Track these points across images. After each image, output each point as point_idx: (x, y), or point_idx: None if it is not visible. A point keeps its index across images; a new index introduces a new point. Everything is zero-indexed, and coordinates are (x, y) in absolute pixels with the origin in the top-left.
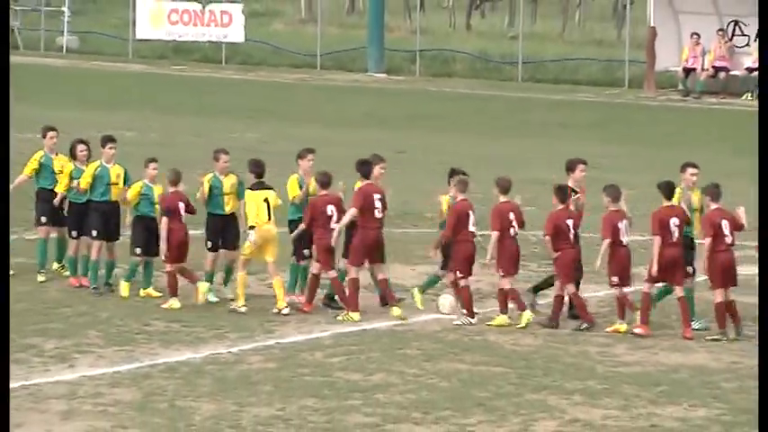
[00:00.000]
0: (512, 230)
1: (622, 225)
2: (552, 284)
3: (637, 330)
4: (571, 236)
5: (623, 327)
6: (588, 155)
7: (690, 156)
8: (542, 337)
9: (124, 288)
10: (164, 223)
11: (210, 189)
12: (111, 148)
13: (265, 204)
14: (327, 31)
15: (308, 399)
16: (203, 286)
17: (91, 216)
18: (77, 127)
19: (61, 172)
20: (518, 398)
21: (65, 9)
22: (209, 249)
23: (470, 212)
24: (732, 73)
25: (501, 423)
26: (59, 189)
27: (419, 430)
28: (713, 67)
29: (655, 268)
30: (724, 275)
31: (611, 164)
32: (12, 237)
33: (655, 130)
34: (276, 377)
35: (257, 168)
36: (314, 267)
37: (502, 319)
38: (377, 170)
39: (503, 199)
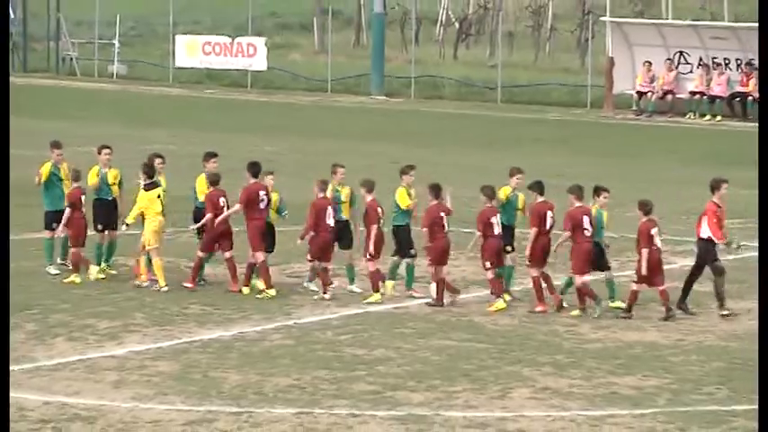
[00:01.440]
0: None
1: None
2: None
3: (538, 309)
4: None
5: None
6: (557, 165)
7: (643, 166)
8: (518, 318)
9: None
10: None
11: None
12: (106, 154)
13: (158, 200)
14: (336, 61)
15: (320, 370)
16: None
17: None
18: (125, 142)
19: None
20: (497, 369)
21: (115, 42)
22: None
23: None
24: (678, 96)
25: (483, 391)
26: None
27: (414, 397)
28: (662, 90)
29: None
30: (587, 262)
31: (576, 172)
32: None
33: (613, 143)
34: (293, 352)
35: (149, 170)
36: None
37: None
38: (406, 178)
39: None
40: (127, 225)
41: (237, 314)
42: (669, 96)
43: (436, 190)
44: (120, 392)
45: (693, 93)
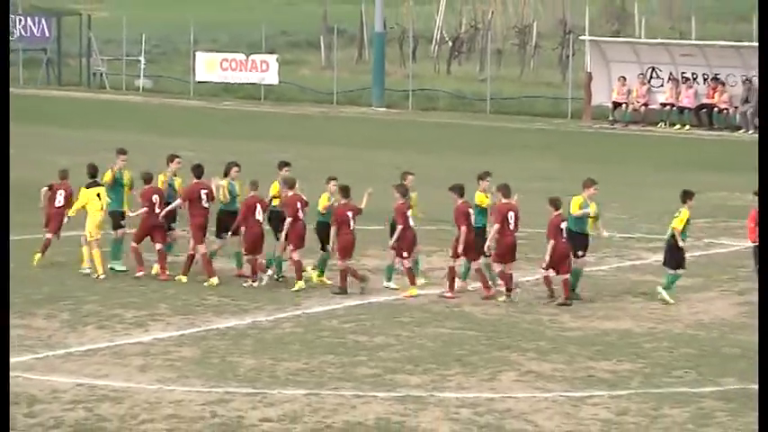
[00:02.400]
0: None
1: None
2: None
3: (447, 294)
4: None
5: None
6: (541, 169)
7: (619, 170)
8: (505, 308)
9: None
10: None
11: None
12: (123, 160)
13: (98, 197)
14: (341, 76)
15: (327, 355)
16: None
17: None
18: (151, 148)
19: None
20: (487, 354)
21: (141, 58)
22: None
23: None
24: (650, 107)
25: (473, 374)
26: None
27: (411, 379)
28: (636, 102)
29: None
30: (508, 253)
31: (558, 175)
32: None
33: (592, 150)
34: (302, 339)
35: (92, 170)
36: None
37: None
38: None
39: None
40: (68, 218)
41: (252, 305)
42: (642, 108)
43: (345, 191)
44: (145, 375)
45: (664, 104)
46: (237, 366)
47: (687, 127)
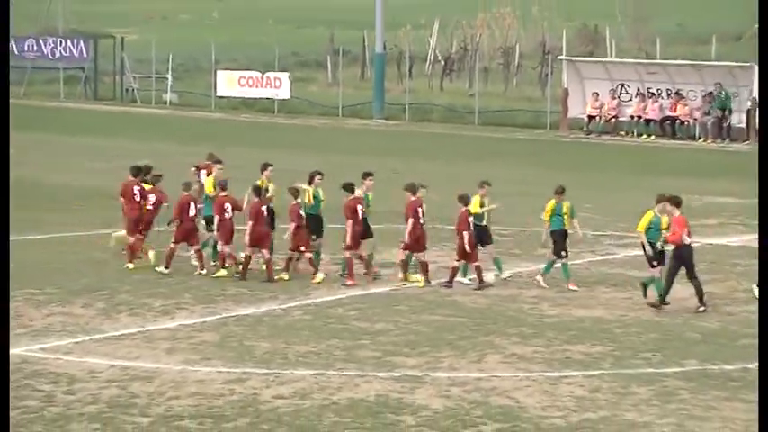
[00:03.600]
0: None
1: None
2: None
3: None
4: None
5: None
6: (522, 174)
7: (592, 175)
8: (491, 297)
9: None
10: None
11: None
12: (220, 169)
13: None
14: (346, 91)
15: (333, 339)
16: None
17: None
18: (177, 156)
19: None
20: (474, 339)
21: (168, 76)
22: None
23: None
24: (620, 119)
25: (463, 356)
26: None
27: (408, 361)
28: (607, 115)
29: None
30: (419, 243)
31: (538, 180)
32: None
33: (568, 158)
34: (311, 325)
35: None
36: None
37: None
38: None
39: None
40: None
41: (266, 295)
42: (613, 120)
43: (258, 190)
44: (171, 357)
45: (632, 117)
46: (253, 349)
47: (653, 137)
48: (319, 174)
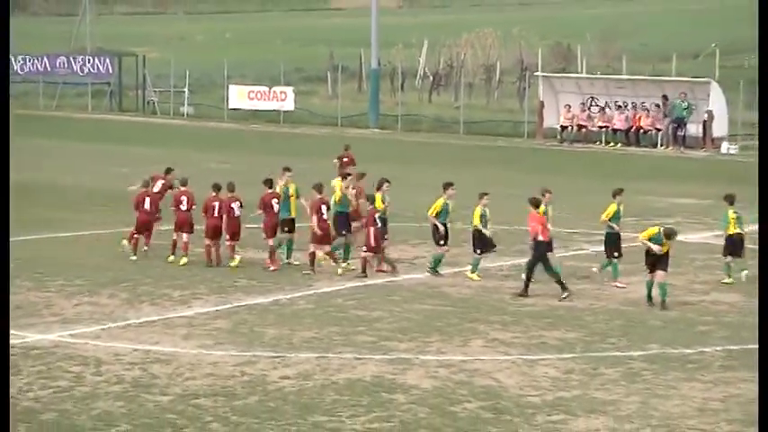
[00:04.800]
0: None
1: (324, 207)
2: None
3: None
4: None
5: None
6: (502, 178)
7: (565, 179)
8: (475, 289)
9: None
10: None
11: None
12: (288, 175)
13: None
14: (344, 103)
15: (333, 326)
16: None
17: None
18: (193, 162)
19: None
20: (460, 326)
21: (185, 90)
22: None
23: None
24: (590, 129)
25: (449, 341)
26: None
27: (400, 345)
28: (578, 125)
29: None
30: (324, 238)
31: (517, 183)
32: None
33: (543, 163)
34: (314, 313)
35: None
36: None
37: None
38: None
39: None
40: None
41: (274, 286)
42: (583, 130)
43: (217, 188)
44: (188, 342)
45: (601, 127)
46: (262, 335)
47: (619, 145)
48: (387, 182)
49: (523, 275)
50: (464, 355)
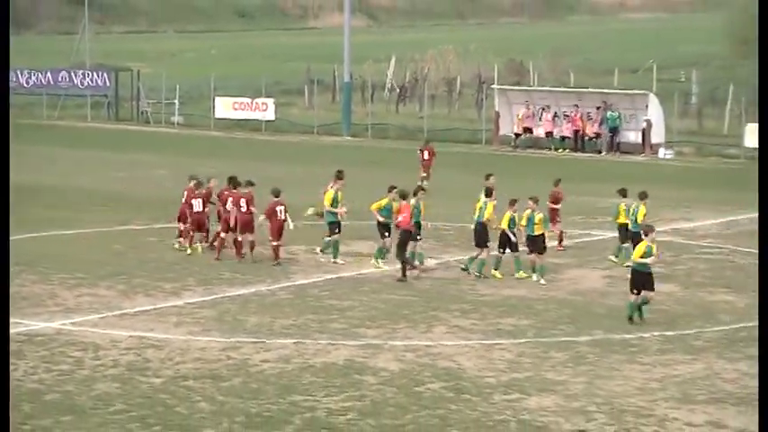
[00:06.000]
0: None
1: (279, 208)
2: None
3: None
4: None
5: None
6: (460, 181)
7: (518, 182)
8: (438, 281)
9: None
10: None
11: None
12: (341, 183)
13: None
14: (320, 113)
15: (310, 314)
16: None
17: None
18: (187, 168)
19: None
20: (424, 314)
21: (176, 101)
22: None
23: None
24: (540, 136)
25: (415, 328)
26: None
27: (370, 332)
28: (525, 128)
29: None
30: (278, 233)
31: (475, 186)
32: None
33: (499, 167)
34: (292, 303)
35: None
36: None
37: None
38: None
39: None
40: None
41: (255, 278)
42: (532, 135)
43: (195, 180)
44: (179, 329)
45: (550, 134)
46: (245, 323)
47: (567, 150)
48: (422, 189)
49: (398, 261)
50: (428, 340)
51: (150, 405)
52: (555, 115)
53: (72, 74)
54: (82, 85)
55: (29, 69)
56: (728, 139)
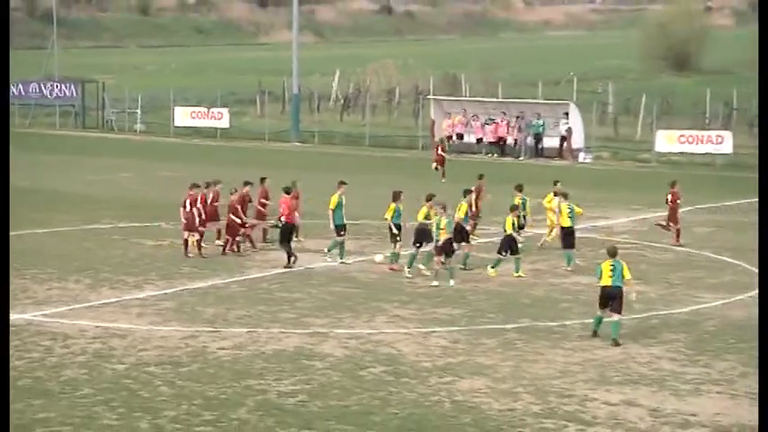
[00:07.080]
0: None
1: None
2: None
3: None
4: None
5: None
6: (400, 181)
7: (448, 183)
8: (380, 274)
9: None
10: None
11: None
12: (345, 188)
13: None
14: (270, 122)
15: (261, 306)
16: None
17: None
18: (149, 171)
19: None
20: (367, 305)
21: (138, 110)
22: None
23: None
24: (470, 142)
25: (358, 317)
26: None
27: (317, 321)
28: (458, 134)
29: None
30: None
31: (412, 186)
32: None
33: (433, 171)
34: (245, 295)
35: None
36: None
37: None
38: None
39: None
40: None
41: (211, 273)
42: (462, 140)
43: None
44: (141, 320)
45: (478, 140)
46: (202, 313)
47: (495, 156)
48: (435, 199)
49: (285, 252)
50: (370, 328)
51: (115, 389)
52: (485, 123)
53: (42, 85)
54: (51, 96)
55: None
56: (641, 144)
